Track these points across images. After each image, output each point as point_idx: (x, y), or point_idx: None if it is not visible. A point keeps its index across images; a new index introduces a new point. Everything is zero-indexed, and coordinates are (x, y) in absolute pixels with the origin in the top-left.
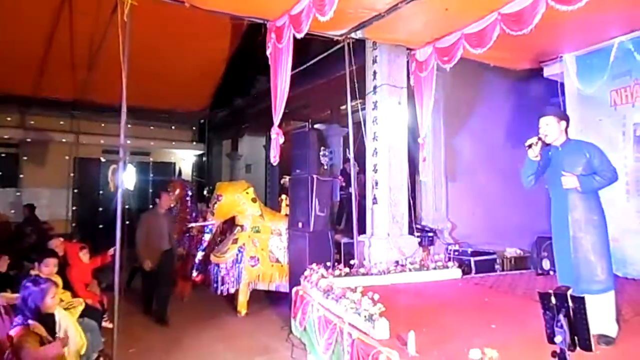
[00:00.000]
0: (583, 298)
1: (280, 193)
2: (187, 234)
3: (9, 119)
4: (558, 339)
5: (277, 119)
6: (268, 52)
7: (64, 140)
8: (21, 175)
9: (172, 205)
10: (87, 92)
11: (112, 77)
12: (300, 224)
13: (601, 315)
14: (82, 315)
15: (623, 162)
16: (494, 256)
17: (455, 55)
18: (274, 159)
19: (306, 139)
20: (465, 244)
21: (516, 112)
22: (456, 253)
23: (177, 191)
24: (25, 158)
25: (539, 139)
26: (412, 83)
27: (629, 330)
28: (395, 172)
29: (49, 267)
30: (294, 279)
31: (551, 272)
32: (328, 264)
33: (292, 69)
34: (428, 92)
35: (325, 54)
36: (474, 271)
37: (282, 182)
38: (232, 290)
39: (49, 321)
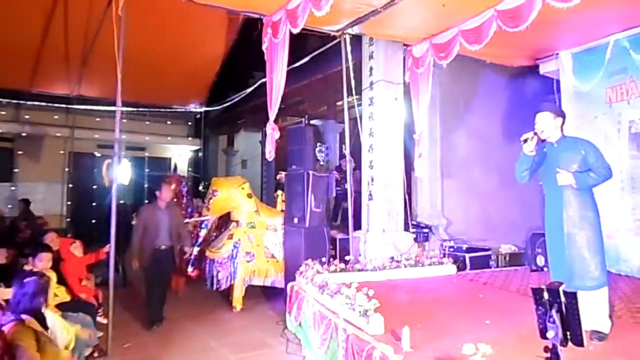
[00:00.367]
0: (575, 293)
1: (276, 189)
2: None
3: (3, 113)
4: (550, 334)
5: (272, 115)
6: (264, 47)
7: (58, 134)
8: (16, 170)
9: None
10: (82, 87)
11: (107, 72)
12: (296, 220)
13: (594, 311)
14: (76, 310)
15: (618, 160)
16: (489, 252)
17: (452, 52)
18: (270, 154)
19: (302, 135)
20: (460, 240)
21: (512, 109)
22: (451, 249)
23: (173, 186)
24: (20, 152)
25: (535, 134)
26: (408, 79)
27: (622, 327)
28: (391, 168)
29: (42, 262)
30: (290, 275)
31: (545, 269)
32: (323, 259)
33: (288, 65)
34: (424, 88)
35: (322, 49)
36: (468, 267)
37: (278, 177)
38: (227, 286)
39: (40, 316)
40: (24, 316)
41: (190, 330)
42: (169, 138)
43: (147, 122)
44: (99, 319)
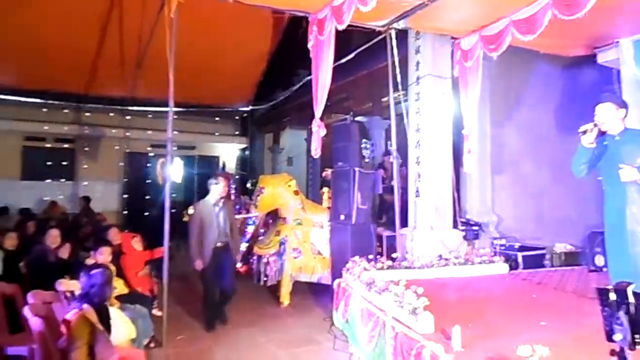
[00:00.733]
0: None
1: (322, 186)
2: None
3: (65, 111)
4: (618, 336)
5: (318, 112)
6: (310, 45)
7: (115, 135)
8: (77, 169)
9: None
10: (136, 88)
11: (159, 74)
12: (342, 217)
13: None
14: (133, 302)
15: None
16: (543, 251)
17: (502, 43)
18: (316, 151)
19: (348, 132)
20: (512, 238)
21: (566, 101)
22: (502, 247)
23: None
24: (80, 152)
25: (595, 125)
26: (456, 73)
27: None
28: (438, 165)
29: (103, 255)
30: (336, 271)
31: (604, 269)
32: (370, 256)
33: (334, 62)
34: (474, 82)
35: (367, 45)
36: (521, 266)
37: (323, 174)
38: (274, 282)
39: (103, 310)
40: (84, 306)
41: (239, 324)
42: (217, 137)
43: (196, 122)
44: (153, 311)
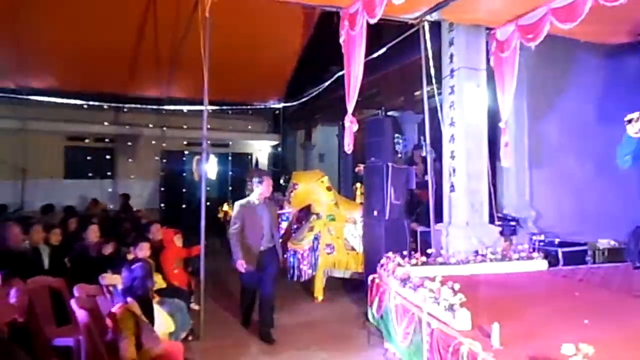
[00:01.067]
0: None
1: (354, 181)
2: None
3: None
4: None
5: (350, 107)
6: (341, 40)
7: (152, 133)
8: (117, 167)
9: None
10: (172, 87)
11: (194, 73)
12: (375, 212)
13: None
14: (172, 296)
15: None
16: (585, 247)
17: (540, 33)
18: (349, 147)
19: (381, 126)
20: (551, 234)
21: (609, 90)
22: (541, 243)
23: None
24: (119, 151)
25: None
26: (492, 64)
27: None
28: (474, 159)
29: (143, 251)
30: (370, 267)
31: None
32: (404, 252)
33: (365, 56)
34: (510, 73)
35: (399, 39)
36: (561, 263)
37: (356, 170)
38: (308, 277)
39: (147, 303)
40: (129, 299)
41: (275, 319)
42: (250, 134)
43: (230, 119)
44: (191, 305)
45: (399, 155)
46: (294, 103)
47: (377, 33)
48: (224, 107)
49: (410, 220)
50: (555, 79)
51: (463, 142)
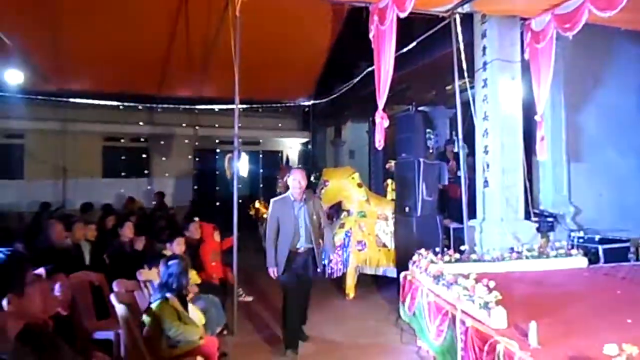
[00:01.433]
0: None
1: (385, 178)
2: None
3: (139, 111)
4: None
5: (381, 103)
6: (371, 36)
7: (185, 132)
8: (152, 166)
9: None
10: (203, 87)
11: (225, 72)
12: (407, 209)
13: None
14: (206, 292)
15: None
16: (627, 244)
17: (578, 22)
18: (379, 143)
19: (412, 122)
20: (591, 230)
21: None
22: (581, 240)
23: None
24: (154, 150)
25: None
26: (526, 56)
27: None
28: (508, 153)
29: (179, 246)
30: (402, 264)
31: None
32: (437, 249)
33: (395, 51)
34: (546, 65)
35: (429, 32)
36: (602, 260)
37: (387, 166)
38: (339, 274)
39: (182, 300)
40: (168, 295)
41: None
42: (280, 131)
43: (260, 118)
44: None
45: (431, 151)
46: (324, 100)
47: (407, 27)
48: (255, 106)
49: (442, 217)
50: (594, 69)
51: (497, 136)
